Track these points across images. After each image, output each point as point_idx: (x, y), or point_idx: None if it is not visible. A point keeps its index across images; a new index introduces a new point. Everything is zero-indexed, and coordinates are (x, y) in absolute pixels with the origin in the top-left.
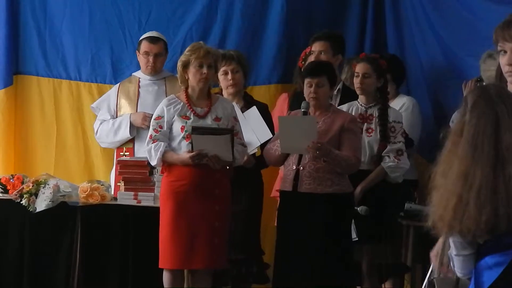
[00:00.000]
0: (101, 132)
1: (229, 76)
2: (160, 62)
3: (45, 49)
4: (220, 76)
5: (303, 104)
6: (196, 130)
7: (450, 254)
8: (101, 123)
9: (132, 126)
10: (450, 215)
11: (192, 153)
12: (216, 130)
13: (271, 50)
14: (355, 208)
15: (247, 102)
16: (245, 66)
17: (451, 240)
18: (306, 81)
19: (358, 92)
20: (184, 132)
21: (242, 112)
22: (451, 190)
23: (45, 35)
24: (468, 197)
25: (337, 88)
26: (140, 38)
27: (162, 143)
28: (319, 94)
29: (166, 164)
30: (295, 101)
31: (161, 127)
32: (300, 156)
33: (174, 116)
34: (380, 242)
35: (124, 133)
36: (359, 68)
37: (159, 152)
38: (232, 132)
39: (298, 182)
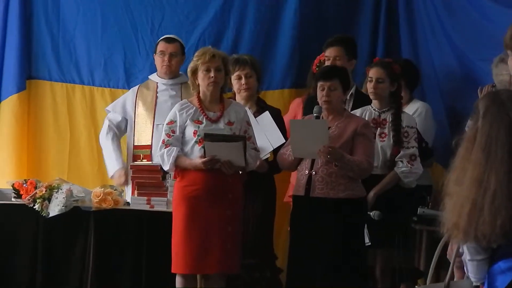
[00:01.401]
0: (101, 138)
1: (243, 81)
2: (176, 62)
3: (58, 53)
4: (234, 81)
5: (315, 109)
6: (208, 137)
7: (464, 259)
8: (109, 125)
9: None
10: (465, 221)
11: (204, 159)
12: (228, 137)
13: (284, 55)
14: (368, 213)
15: (260, 107)
16: (259, 71)
17: (464, 246)
18: (319, 84)
19: (371, 97)
20: (196, 137)
21: (255, 117)
22: (465, 196)
23: (58, 40)
24: (482, 202)
25: (350, 92)
26: (157, 41)
27: (175, 148)
28: (332, 98)
29: (179, 169)
30: (309, 105)
31: (173, 131)
32: (313, 161)
33: (186, 121)
34: (393, 247)
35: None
36: (373, 72)
37: (171, 157)
38: (244, 139)
39: (311, 187)
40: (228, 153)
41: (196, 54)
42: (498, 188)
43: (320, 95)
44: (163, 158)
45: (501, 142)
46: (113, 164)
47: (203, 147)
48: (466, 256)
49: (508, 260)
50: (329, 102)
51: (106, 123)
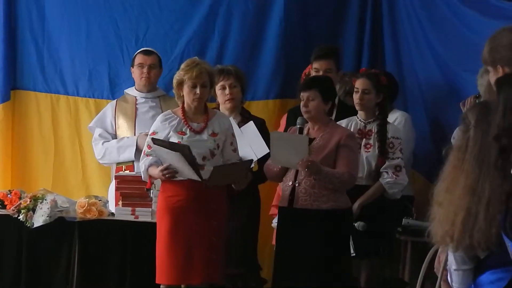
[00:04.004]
0: (104, 152)
1: (227, 91)
2: (154, 75)
3: (43, 64)
4: (218, 91)
5: (298, 120)
6: (156, 141)
7: (449, 268)
8: (103, 143)
9: (137, 149)
10: (459, 230)
11: (161, 167)
12: (173, 145)
13: (269, 66)
14: (353, 223)
15: (245, 117)
16: (243, 81)
17: (451, 255)
18: (300, 95)
19: (357, 108)
20: None
21: (239, 127)
22: (458, 204)
23: (43, 50)
24: (477, 210)
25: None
26: (134, 54)
27: (150, 158)
28: (310, 108)
29: (152, 178)
30: (292, 117)
31: None
32: (297, 172)
33: (170, 132)
34: (378, 258)
35: (129, 156)
36: (359, 83)
37: (143, 166)
38: (186, 149)
39: (294, 198)
40: (176, 162)
41: (183, 66)
42: (493, 195)
43: (301, 106)
44: (141, 167)
45: (494, 150)
46: (130, 141)
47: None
48: (452, 266)
49: (496, 271)
50: (308, 112)
51: (98, 143)
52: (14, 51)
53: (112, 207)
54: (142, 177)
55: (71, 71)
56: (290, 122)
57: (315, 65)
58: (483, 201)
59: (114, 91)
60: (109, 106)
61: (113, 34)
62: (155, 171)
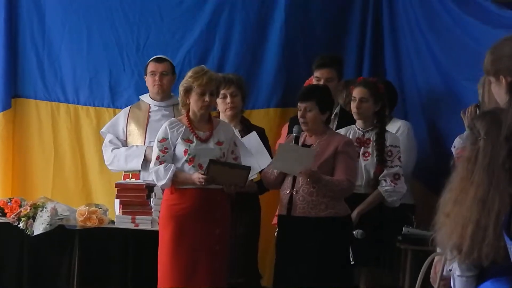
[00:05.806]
0: (112, 159)
1: (228, 100)
2: (167, 81)
3: (44, 72)
4: (219, 100)
5: (294, 128)
6: (215, 162)
7: (453, 274)
8: (112, 150)
9: (145, 160)
10: (468, 243)
11: (205, 177)
12: (234, 165)
13: (270, 74)
14: (352, 231)
15: (245, 126)
16: (244, 90)
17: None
18: (298, 105)
19: (355, 116)
20: (187, 156)
21: (241, 136)
22: (467, 217)
23: (44, 59)
24: (486, 222)
25: (335, 112)
26: (147, 62)
27: (173, 165)
28: (307, 119)
29: (176, 184)
30: (292, 125)
31: (167, 148)
32: (294, 180)
33: (177, 139)
34: (377, 266)
35: (136, 165)
36: (356, 92)
37: (170, 171)
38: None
39: (292, 206)
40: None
41: (191, 73)
42: (502, 208)
43: (299, 116)
44: (159, 174)
45: (503, 151)
46: (139, 151)
47: (207, 168)
48: (456, 272)
49: (499, 279)
50: (306, 124)
51: (108, 149)
52: (15, 59)
53: (116, 212)
54: (162, 184)
55: (72, 79)
56: (291, 131)
57: (317, 73)
58: (492, 215)
59: (114, 99)
60: (122, 113)
61: (113, 42)
62: (189, 176)
